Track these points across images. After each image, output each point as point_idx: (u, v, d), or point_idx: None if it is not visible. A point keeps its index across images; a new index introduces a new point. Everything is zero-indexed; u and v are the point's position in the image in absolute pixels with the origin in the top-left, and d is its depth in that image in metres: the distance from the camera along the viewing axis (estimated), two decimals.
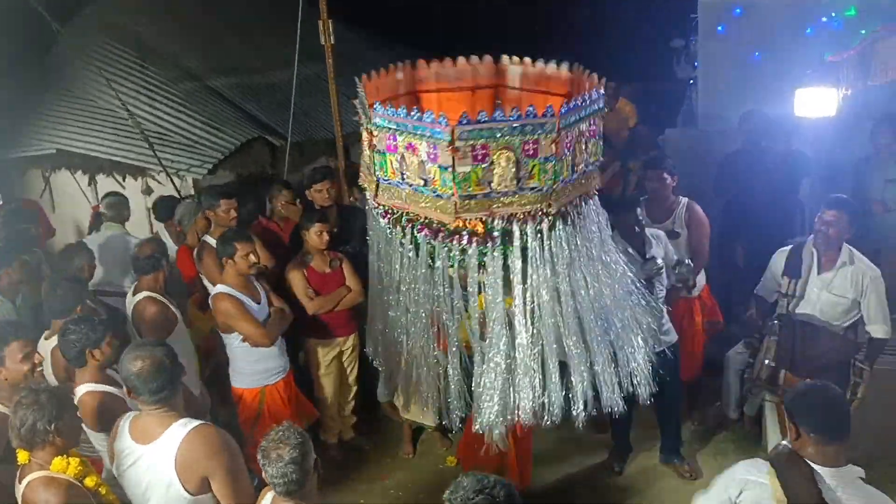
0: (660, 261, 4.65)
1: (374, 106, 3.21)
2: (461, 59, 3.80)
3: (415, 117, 3.03)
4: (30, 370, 3.55)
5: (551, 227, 3.17)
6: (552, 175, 3.09)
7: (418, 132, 3.05)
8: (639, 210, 4.80)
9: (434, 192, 3.10)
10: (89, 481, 3.06)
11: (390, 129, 3.16)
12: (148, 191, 6.90)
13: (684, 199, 5.37)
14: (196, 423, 3.05)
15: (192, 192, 6.57)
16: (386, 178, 3.29)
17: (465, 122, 2.94)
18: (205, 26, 8.61)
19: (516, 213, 3.10)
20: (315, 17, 5.77)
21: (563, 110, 3.04)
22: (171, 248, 5.16)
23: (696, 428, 5.58)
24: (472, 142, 2.95)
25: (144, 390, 2.99)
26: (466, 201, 3.05)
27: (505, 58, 3.82)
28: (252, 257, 4.56)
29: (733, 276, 6.22)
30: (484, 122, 2.96)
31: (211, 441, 3.02)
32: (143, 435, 3.07)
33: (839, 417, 2.80)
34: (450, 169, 2.99)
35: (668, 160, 5.56)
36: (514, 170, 3.02)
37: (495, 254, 3.14)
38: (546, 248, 3.18)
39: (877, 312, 4.32)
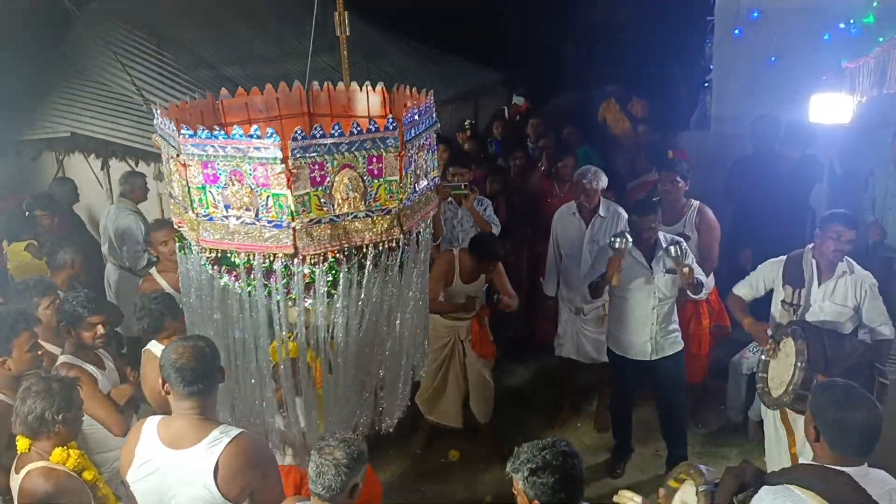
0: None
1: (182, 131, 2.78)
2: (268, 88, 3.57)
3: (238, 137, 2.69)
4: (34, 362, 3.57)
5: (392, 252, 2.96)
6: (398, 195, 2.88)
7: (244, 155, 2.70)
8: (653, 215, 4.75)
9: (269, 223, 2.77)
10: (87, 474, 3.03)
11: (208, 156, 2.76)
12: (160, 176, 6.91)
13: (696, 203, 5.36)
14: (235, 431, 2.87)
15: None
16: (206, 214, 2.87)
17: (299, 137, 2.64)
18: (221, 15, 8.62)
19: (366, 241, 2.87)
20: (331, 8, 5.75)
21: (405, 122, 2.84)
22: None
23: (699, 431, 5.59)
24: (308, 160, 2.67)
25: (178, 381, 2.79)
26: (313, 228, 2.77)
27: (315, 84, 3.63)
28: None
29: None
30: (321, 137, 2.67)
31: (254, 451, 2.88)
32: (177, 440, 2.85)
33: (867, 437, 2.53)
34: (285, 194, 2.69)
35: (681, 163, 5.55)
36: (359, 192, 2.78)
37: (333, 278, 2.92)
38: (383, 272, 2.97)
39: (879, 315, 4.33)
